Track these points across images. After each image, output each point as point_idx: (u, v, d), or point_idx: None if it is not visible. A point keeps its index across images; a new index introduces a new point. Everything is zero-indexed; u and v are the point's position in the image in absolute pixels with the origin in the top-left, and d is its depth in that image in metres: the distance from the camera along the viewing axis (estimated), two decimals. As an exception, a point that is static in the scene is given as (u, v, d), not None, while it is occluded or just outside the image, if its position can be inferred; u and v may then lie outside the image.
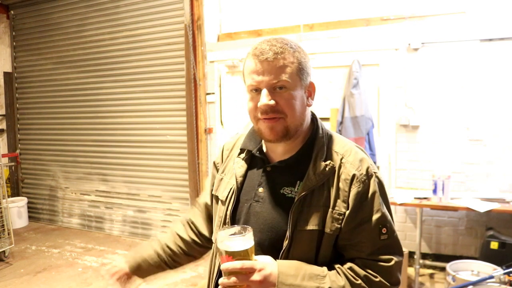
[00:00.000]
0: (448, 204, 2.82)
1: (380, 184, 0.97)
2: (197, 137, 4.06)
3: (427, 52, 3.26)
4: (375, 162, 3.36)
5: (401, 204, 2.91)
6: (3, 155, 4.85)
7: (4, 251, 3.70)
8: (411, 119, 3.31)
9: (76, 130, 4.76)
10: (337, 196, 0.93)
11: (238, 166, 1.07)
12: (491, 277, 2.24)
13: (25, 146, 5.19)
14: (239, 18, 4.03)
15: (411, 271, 3.17)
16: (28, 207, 5.01)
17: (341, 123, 3.38)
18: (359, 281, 0.90)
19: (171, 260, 1.24)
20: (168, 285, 3.18)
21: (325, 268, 0.92)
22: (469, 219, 3.24)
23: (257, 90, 0.95)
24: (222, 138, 4.07)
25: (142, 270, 1.22)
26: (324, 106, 3.58)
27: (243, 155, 1.08)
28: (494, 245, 2.82)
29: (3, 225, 3.72)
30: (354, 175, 0.94)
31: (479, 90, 3.14)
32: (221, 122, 4.07)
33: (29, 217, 5.03)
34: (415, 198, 2.98)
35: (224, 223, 1.03)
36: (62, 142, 4.88)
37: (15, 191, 5.19)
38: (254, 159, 1.06)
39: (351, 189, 0.93)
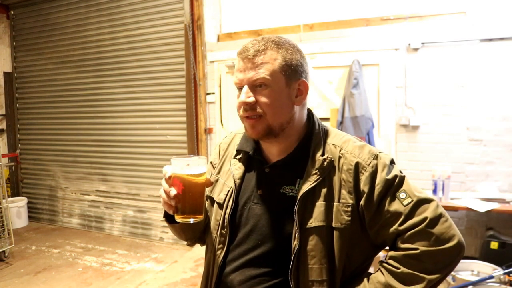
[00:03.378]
0: (448, 204, 2.82)
1: (388, 160, 0.93)
2: (197, 137, 4.06)
3: (427, 52, 3.26)
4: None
5: (401, 204, 2.91)
6: (3, 155, 4.85)
7: (4, 251, 3.70)
8: (411, 119, 3.31)
9: (76, 130, 4.75)
10: (340, 188, 0.91)
11: (235, 168, 1.04)
12: (491, 277, 2.24)
13: (25, 146, 5.19)
14: (239, 18, 4.03)
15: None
16: (28, 207, 5.01)
17: (341, 123, 3.38)
18: (401, 269, 0.85)
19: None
20: (168, 285, 3.18)
21: (365, 282, 0.90)
22: (469, 219, 3.24)
23: (241, 88, 0.94)
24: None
25: None
26: (324, 106, 3.58)
27: (239, 157, 1.05)
28: (494, 245, 2.81)
29: (3, 225, 3.72)
30: (357, 163, 0.92)
31: (479, 90, 3.13)
32: (221, 122, 4.07)
33: (29, 217, 5.02)
34: (415, 198, 2.98)
35: (223, 227, 1.00)
36: (62, 142, 4.88)
37: (15, 191, 5.19)
38: (251, 160, 1.04)
39: (360, 176, 0.91)
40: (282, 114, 0.93)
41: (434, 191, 2.88)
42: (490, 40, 3.07)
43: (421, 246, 0.84)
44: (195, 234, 1.13)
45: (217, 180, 1.09)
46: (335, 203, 0.90)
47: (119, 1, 4.27)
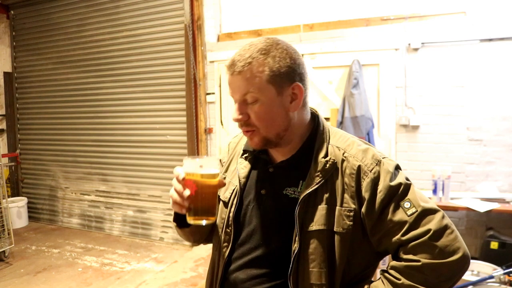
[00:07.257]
0: (448, 204, 2.82)
1: (392, 166, 0.90)
2: (197, 137, 4.06)
3: (427, 52, 3.26)
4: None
5: (401, 204, 2.91)
6: (3, 155, 4.84)
7: (4, 251, 3.69)
8: (411, 119, 3.31)
9: (76, 130, 4.75)
10: (343, 192, 0.90)
11: (241, 167, 1.05)
12: (491, 277, 2.24)
13: (25, 146, 5.19)
14: (239, 18, 4.03)
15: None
16: (28, 207, 5.01)
17: (341, 123, 3.38)
18: (402, 280, 0.83)
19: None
20: (168, 285, 3.18)
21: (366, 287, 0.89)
22: (469, 219, 3.24)
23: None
24: (222, 138, 4.07)
25: None
26: (324, 106, 3.58)
27: (246, 155, 1.06)
28: (494, 245, 2.81)
29: (3, 225, 3.72)
30: (359, 167, 0.90)
31: (479, 90, 3.14)
32: (221, 122, 4.07)
33: (29, 217, 5.02)
34: (415, 198, 2.97)
35: (228, 226, 1.01)
36: (62, 142, 4.88)
37: (15, 191, 5.19)
38: (258, 159, 1.04)
39: (362, 181, 0.89)
40: (275, 125, 0.92)
41: (434, 191, 2.88)
42: (490, 40, 3.07)
43: (423, 259, 0.82)
44: (202, 236, 1.13)
45: (224, 179, 1.09)
46: (337, 207, 0.89)
47: (119, 1, 4.27)
